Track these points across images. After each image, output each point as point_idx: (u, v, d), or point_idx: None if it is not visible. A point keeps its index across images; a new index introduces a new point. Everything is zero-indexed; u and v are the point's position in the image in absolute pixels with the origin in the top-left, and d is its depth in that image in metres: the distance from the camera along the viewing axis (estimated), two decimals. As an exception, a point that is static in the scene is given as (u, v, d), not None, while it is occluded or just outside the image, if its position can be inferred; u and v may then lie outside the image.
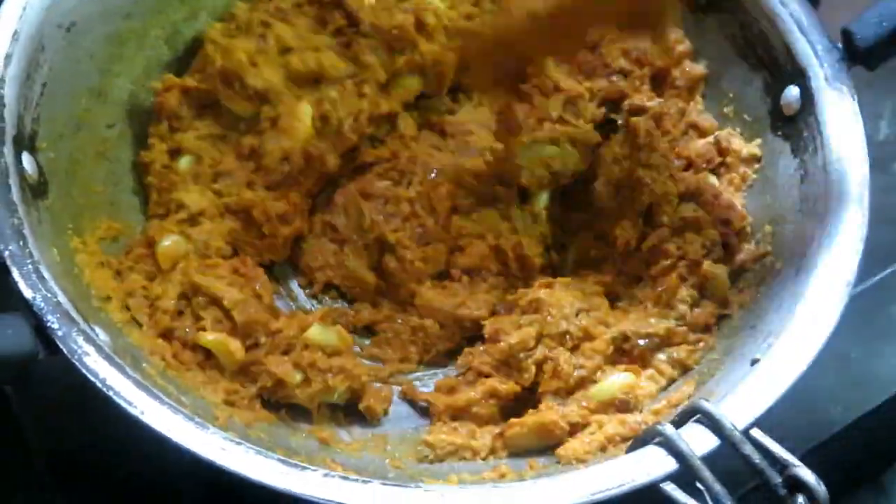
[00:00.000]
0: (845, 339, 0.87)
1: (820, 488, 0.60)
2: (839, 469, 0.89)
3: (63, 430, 0.81)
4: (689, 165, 0.89)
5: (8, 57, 0.72)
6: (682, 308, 0.82)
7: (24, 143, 0.73)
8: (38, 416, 0.81)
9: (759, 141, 0.87)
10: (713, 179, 0.88)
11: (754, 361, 0.71)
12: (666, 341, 0.81)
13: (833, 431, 0.87)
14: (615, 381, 0.79)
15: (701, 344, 0.81)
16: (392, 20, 0.89)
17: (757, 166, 0.87)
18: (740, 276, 0.83)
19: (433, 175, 0.90)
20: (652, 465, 0.63)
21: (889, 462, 0.93)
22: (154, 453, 0.63)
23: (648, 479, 0.62)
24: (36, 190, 0.73)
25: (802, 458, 0.81)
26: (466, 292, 0.87)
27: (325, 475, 0.61)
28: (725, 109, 0.90)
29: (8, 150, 0.70)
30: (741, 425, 0.63)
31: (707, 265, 0.82)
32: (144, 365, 0.72)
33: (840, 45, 0.80)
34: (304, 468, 0.62)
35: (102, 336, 0.68)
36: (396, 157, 0.91)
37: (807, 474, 0.60)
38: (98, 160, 0.83)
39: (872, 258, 0.94)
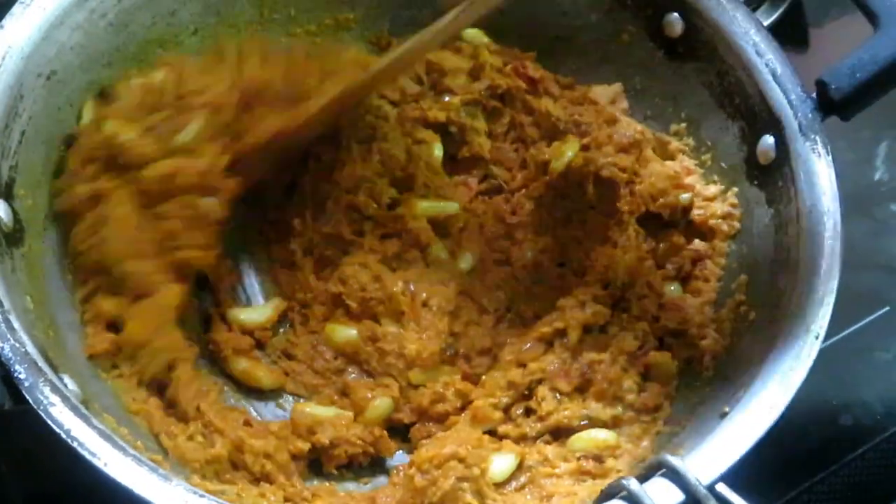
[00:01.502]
0: (827, 385, 0.87)
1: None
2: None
3: (41, 474, 0.81)
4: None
5: (-15, 106, 0.73)
6: (630, 397, 0.81)
7: (0, 191, 0.73)
8: (16, 460, 0.81)
9: (735, 190, 0.86)
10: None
11: (723, 414, 0.70)
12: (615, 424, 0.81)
13: (816, 478, 0.87)
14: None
15: (655, 419, 0.81)
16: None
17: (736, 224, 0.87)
18: (715, 326, 0.83)
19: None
20: (616, 520, 0.62)
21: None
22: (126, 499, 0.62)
23: (612, 533, 0.62)
24: (11, 238, 0.73)
25: None
26: None
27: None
28: (704, 157, 0.90)
29: (-19, 198, 0.70)
30: (706, 480, 0.63)
31: (652, 355, 0.82)
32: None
33: (814, 96, 0.80)
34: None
35: (71, 386, 0.68)
36: None
37: (769, 534, 0.60)
38: (76, 207, 0.83)
39: (858, 303, 0.96)
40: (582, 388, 0.82)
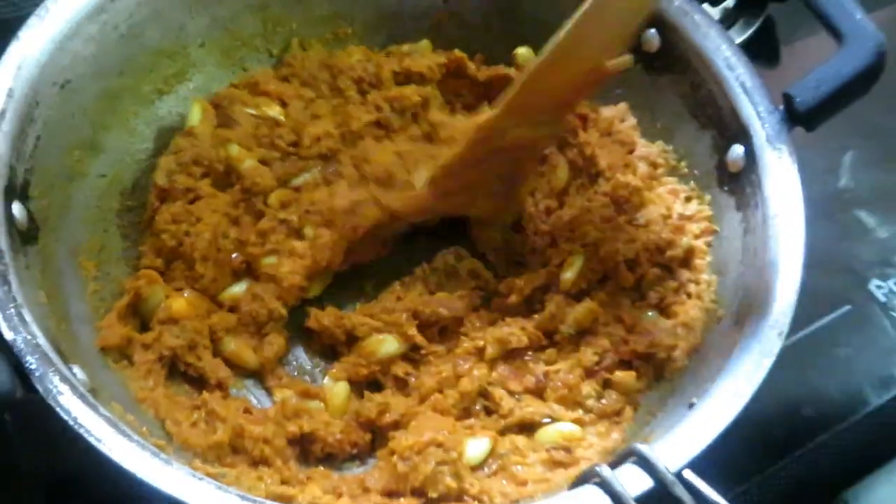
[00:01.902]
0: (790, 378, 0.87)
1: (747, 534, 0.60)
2: (781, 501, 0.88)
3: (53, 458, 0.80)
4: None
5: (2, 113, 0.73)
6: (590, 402, 0.80)
7: (16, 192, 0.73)
8: (30, 445, 0.80)
9: (708, 197, 0.86)
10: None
11: (691, 405, 0.70)
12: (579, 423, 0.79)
13: (778, 464, 0.86)
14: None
15: (618, 421, 0.80)
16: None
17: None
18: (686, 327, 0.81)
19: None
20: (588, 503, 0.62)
21: (831, 495, 0.92)
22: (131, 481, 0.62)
23: (585, 517, 0.62)
24: (25, 236, 0.73)
25: (743, 493, 0.83)
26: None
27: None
28: (680, 164, 0.89)
29: (-2, 199, 0.70)
30: (674, 467, 0.62)
31: (616, 374, 0.81)
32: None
33: (782, 108, 0.80)
34: (256, 501, 0.61)
35: (80, 375, 0.68)
36: None
37: (733, 517, 0.60)
38: (88, 207, 0.83)
39: (822, 302, 0.95)
40: (538, 392, 0.81)
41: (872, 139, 1.07)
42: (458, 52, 0.94)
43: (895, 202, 1.03)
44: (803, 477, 0.88)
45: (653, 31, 0.88)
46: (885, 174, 1.05)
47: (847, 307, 0.95)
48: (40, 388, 0.63)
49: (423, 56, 0.93)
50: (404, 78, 0.92)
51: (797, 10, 0.84)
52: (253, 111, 0.89)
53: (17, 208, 0.72)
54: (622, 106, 0.91)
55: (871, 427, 0.90)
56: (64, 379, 0.64)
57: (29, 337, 0.64)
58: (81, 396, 0.63)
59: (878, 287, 0.97)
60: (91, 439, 0.62)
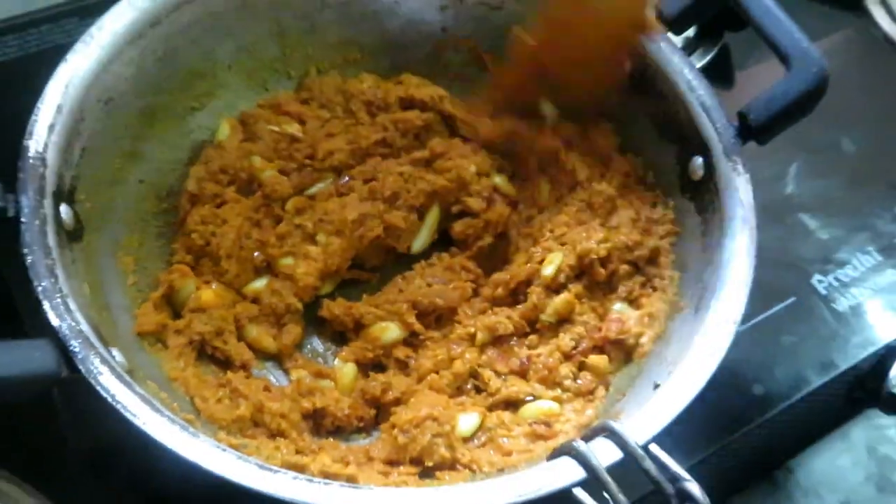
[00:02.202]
0: (743, 361, 0.86)
1: (705, 501, 0.58)
2: (735, 469, 0.87)
3: (95, 431, 0.79)
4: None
5: (51, 126, 0.71)
6: (567, 382, 0.79)
7: (64, 196, 0.71)
8: (75, 419, 0.79)
9: (672, 203, 0.84)
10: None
11: (656, 386, 0.69)
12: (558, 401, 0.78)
13: (733, 437, 0.85)
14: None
15: (592, 399, 0.78)
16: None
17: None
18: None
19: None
20: (565, 473, 0.60)
21: (778, 463, 0.91)
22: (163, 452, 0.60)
23: (562, 485, 0.60)
24: (72, 235, 0.72)
25: (701, 462, 0.82)
26: None
27: (294, 477, 0.59)
28: (648, 174, 0.87)
29: (48, 202, 0.68)
30: (642, 441, 0.61)
31: (590, 358, 0.79)
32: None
33: (736, 124, 0.78)
34: (277, 471, 0.60)
35: (119, 357, 0.66)
36: None
37: (694, 488, 0.58)
38: (128, 209, 0.81)
39: (769, 294, 0.94)
40: (522, 373, 0.80)
41: (814, 153, 1.06)
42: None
43: (833, 208, 1.02)
44: (754, 448, 0.87)
45: (623, 56, 0.86)
46: (825, 183, 1.04)
47: (792, 299, 0.94)
48: (83, 369, 0.61)
49: (427, 86, 0.92)
50: (409, 104, 0.91)
51: (749, 40, 0.84)
52: (274, 128, 0.88)
53: (64, 210, 0.71)
54: (606, 127, 0.90)
55: (813, 404, 0.89)
56: (104, 361, 0.62)
57: (73, 324, 0.63)
58: (119, 376, 0.62)
59: (820, 281, 0.96)
60: (127, 414, 0.60)
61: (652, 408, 0.66)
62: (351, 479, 0.68)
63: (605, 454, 0.61)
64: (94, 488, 0.77)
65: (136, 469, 0.74)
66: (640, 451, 0.60)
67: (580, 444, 0.61)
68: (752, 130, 0.78)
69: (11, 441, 0.78)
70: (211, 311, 0.79)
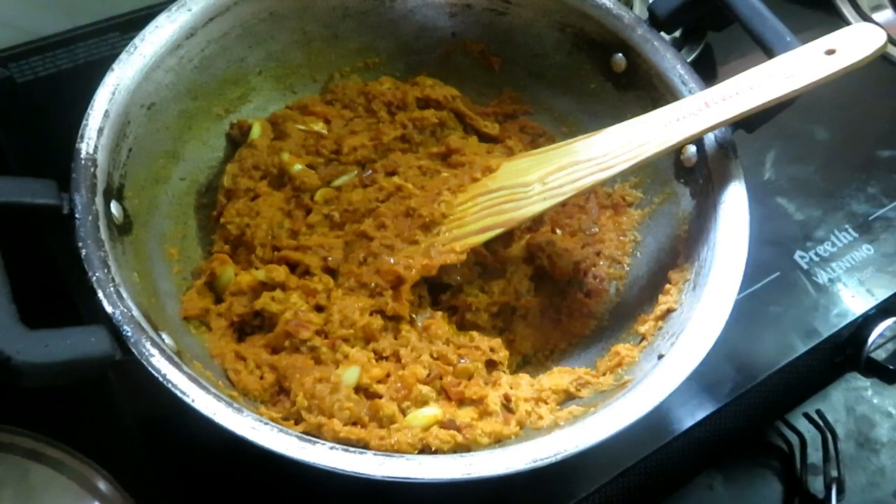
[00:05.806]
0: (735, 334, 0.84)
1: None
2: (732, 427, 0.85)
3: (148, 404, 0.76)
4: None
5: (100, 130, 0.69)
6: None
7: (113, 194, 0.69)
8: (130, 394, 0.77)
9: (667, 188, 0.82)
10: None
11: (660, 356, 0.66)
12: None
13: (729, 399, 0.82)
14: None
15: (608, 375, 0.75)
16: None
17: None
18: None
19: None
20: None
21: (771, 419, 0.89)
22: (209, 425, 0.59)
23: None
24: (121, 229, 0.69)
25: (702, 421, 0.80)
26: None
27: (331, 447, 0.58)
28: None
29: (99, 199, 0.66)
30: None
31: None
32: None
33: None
34: (316, 442, 0.58)
35: (168, 340, 0.64)
36: None
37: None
38: (171, 204, 0.79)
39: (756, 270, 0.91)
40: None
41: (790, 141, 1.03)
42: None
43: (806, 191, 0.99)
44: (749, 408, 0.85)
45: (620, 55, 0.84)
46: (799, 169, 1.01)
47: (777, 273, 0.91)
48: (135, 352, 0.59)
49: (441, 87, 0.90)
50: (425, 103, 0.89)
51: (730, 39, 0.83)
52: (302, 127, 0.86)
53: (114, 206, 0.69)
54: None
55: (799, 368, 0.87)
56: (154, 344, 0.60)
57: (125, 310, 0.61)
58: (169, 358, 0.60)
59: (801, 257, 0.93)
60: (178, 392, 0.58)
61: (657, 376, 0.63)
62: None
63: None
64: (145, 459, 0.75)
65: (184, 437, 0.72)
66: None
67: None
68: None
69: (72, 420, 0.76)
70: (249, 294, 0.76)
